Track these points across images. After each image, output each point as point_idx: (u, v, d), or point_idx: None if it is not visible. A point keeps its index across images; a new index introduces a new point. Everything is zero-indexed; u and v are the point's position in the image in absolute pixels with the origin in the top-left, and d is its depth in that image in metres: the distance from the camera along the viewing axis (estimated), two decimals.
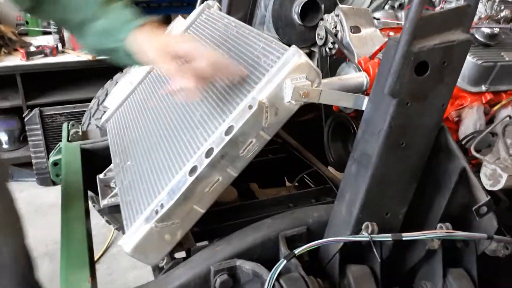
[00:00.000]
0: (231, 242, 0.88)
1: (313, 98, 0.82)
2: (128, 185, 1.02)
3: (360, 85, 1.11)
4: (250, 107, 0.78)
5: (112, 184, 1.15)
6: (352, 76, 1.16)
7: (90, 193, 1.31)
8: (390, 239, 0.80)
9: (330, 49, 1.50)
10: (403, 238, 0.80)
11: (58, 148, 1.49)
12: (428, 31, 0.75)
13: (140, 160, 1.03)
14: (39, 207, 2.62)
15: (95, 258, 2.18)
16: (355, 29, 1.57)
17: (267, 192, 1.26)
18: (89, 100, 2.70)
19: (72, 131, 1.48)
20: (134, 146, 1.12)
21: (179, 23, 1.44)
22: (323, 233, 0.90)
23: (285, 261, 0.76)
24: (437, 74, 0.78)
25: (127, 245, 0.85)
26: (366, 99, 0.85)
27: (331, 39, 1.51)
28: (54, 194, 2.50)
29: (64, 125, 1.64)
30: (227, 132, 0.79)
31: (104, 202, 1.08)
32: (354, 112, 1.29)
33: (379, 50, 1.58)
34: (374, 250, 0.80)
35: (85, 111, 2.57)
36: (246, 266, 0.83)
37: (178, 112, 1.03)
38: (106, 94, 1.78)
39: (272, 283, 0.73)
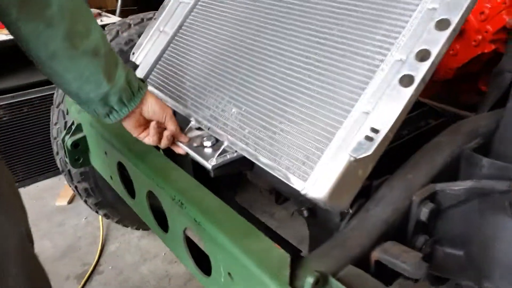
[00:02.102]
0: (421, 167, 0.76)
1: None
2: (254, 131, 0.83)
3: None
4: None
5: (205, 143, 0.94)
6: None
7: None
8: None
9: None
10: None
11: (74, 127, 1.19)
12: None
13: (260, 96, 0.85)
14: None
15: (94, 261, 1.88)
16: None
17: None
18: (29, 87, 2.26)
19: None
20: (233, 85, 0.92)
21: None
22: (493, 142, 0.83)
23: None
24: None
25: (319, 190, 0.68)
26: None
27: None
28: None
29: (67, 98, 1.33)
30: (442, 27, 0.65)
31: (213, 163, 0.88)
32: None
33: None
34: None
35: (30, 100, 2.12)
36: (455, 187, 0.73)
37: (292, 34, 0.86)
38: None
39: None
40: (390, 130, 0.65)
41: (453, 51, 1.43)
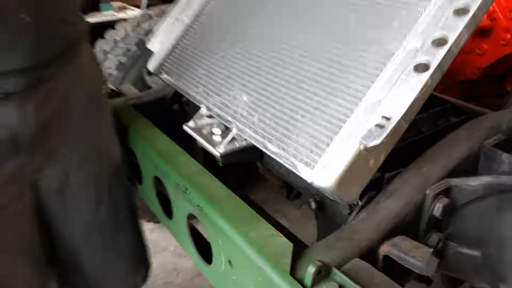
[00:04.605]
0: (437, 160, 0.72)
1: None
2: (264, 118, 0.80)
3: None
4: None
5: (214, 130, 0.92)
6: None
7: None
8: None
9: None
10: None
11: None
12: None
13: (271, 84, 0.83)
14: None
15: None
16: None
17: None
18: None
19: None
20: (245, 72, 0.90)
21: None
22: None
23: None
24: None
25: (326, 179, 0.65)
26: None
27: None
28: None
29: None
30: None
31: (221, 150, 0.86)
32: None
33: None
34: None
35: None
36: (472, 183, 0.68)
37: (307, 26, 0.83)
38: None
39: None
40: (402, 118, 0.61)
41: (480, 51, 1.37)
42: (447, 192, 0.70)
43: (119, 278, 1.05)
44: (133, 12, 2.63)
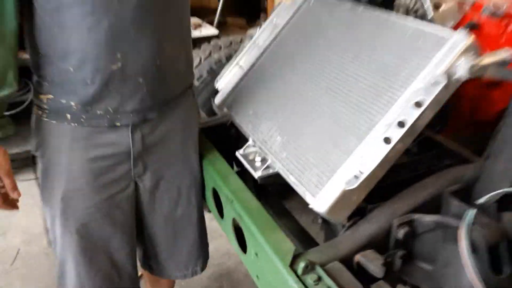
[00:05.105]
0: (405, 200, 1.03)
1: (482, 72, 0.95)
2: (289, 157, 1.15)
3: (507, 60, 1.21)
4: (437, 83, 0.92)
5: (256, 158, 1.28)
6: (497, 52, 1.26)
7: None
8: None
9: None
10: None
11: None
12: None
13: (298, 132, 1.17)
14: None
15: None
16: (437, 5, 1.70)
17: None
18: None
19: None
20: (280, 119, 1.24)
21: (282, 8, 1.53)
22: (475, 189, 1.06)
23: (475, 210, 0.91)
24: None
25: (322, 206, 0.99)
26: None
27: (412, 15, 1.63)
28: None
29: None
30: (418, 105, 0.92)
31: (259, 174, 1.22)
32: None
33: (458, 25, 1.72)
34: None
35: None
36: (426, 219, 0.98)
37: (332, 84, 1.16)
38: None
39: (470, 227, 0.88)
40: (372, 173, 0.93)
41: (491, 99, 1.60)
42: (410, 223, 1.00)
43: (183, 263, 1.45)
44: (207, 31, 3.04)
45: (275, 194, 1.55)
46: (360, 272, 0.98)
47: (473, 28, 1.67)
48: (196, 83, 2.05)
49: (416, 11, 1.70)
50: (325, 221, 1.15)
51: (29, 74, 1.12)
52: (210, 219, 2.43)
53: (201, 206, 1.42)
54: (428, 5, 1.67)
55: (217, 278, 2.24)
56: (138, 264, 1.43)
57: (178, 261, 1.44)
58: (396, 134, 0.93)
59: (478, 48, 0.96)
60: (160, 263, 1.45)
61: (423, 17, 1.68)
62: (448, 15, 1.75)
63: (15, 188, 1.07)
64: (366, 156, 0.95)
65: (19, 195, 1.08)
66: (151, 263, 1.47)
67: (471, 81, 1.00)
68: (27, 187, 2.56)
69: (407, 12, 1.65)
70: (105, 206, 1.19)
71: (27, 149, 2.44)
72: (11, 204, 1.11)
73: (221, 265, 2.31)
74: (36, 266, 2.28)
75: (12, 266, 2.29)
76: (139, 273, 1.46)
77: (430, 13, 1.66)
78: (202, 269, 1.50)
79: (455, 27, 1.74)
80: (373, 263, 0.93)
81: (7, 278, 2.22)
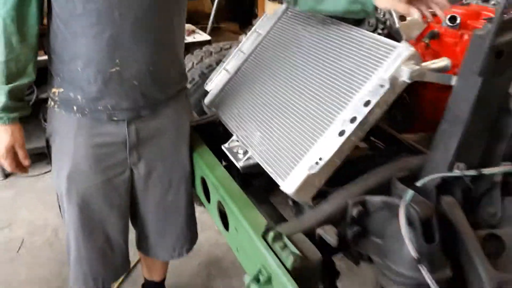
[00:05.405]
0: (360, 184, 1.23)
1: (420, 77, 1.16)
2: (266, 149, 1.35)
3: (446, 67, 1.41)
4: (382, 86, 1.12)
5: (239, 151, 1.47)
6: (439, 61, 1.46)
7: None
8: (475, 173, 1.16)
9: (379, 34, 1.81)
10: (485, 173, 1.16)
11: None
12: (506, 29, 1.09)
13: (273, 127, 1.37)
14: None
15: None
16: (403, 17, 1.91)
17: None
18: None
19: None
20: (259, 116, 1.44)
21: (264, 19, 1.74)
22: (420, 176, 1.26)
23: (413, 191, 1.11)
24: (508, 57, 1.13)
25: (290, 188, 1.19)
26: (455, 77, 1.20)
27: (381, 26, 1.84)
28: None
29: None
30: (366, 104, 1.12)
31: (241, 164, 1.41)
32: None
33: (422, 35, 1.94)
34: (467, 182, 1.16)
35: None
36: (375, 199, 1.18)
37: (303, 86, 1.36)
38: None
39: (407, 205, 1.08)
40: (329, 161, 1.13)
41: None
42: (363, 203, 1.20)
43: (171, 244, 1.64)
44: (201, 37, 3.24)
45: (261, 189, 1.74)
46: (322, 244, 1.17)
47: (434, 37, 1.88)
48: (188, 85, 2.24)
49: (384, 22, 1.90)
50: (294, 203, 1.35)
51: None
52: (201, 212, 2.64)
53: (191, 196, 1.60)
54: (395, 16, 1.88)
55: (206, 265, 2.43)
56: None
57: (166, 243, 1.64)
58: (349, 128, 1.14)
59: (419, 57, 1.17)
60: (151, 244, 1.64)
61: (391, 27, 1.89)
62: (414, 26, 1.97)
63: (26, 157, 1.32)
64: (325, 146, 1.15)
65: (30, 162, 1.33)
66: (143, 243, 1.66)
67: (431, 85, 1.21)
68: (31, 183, 2.82)
69: (377, 22, 1.85)
70: (103, 187, 1.38)
71: (31, 146, 2.63)
72: (23, 169, 1.35)
73: (210, 254, 2.50)
74: (40, 255, 2.46)
75: (18, 253, 2.47)
76: (137, 258, 1.64)
77: (398, 23, 1.87)
78: (188, 251, 1.69)
79: (419, 36, 1.96)
80: (329, 234, 1.13)
81: (13, 265, 2.40)
